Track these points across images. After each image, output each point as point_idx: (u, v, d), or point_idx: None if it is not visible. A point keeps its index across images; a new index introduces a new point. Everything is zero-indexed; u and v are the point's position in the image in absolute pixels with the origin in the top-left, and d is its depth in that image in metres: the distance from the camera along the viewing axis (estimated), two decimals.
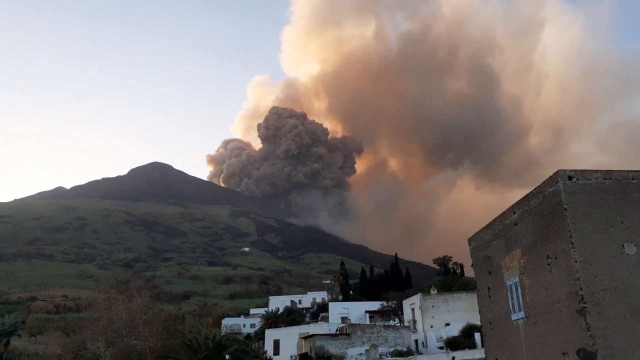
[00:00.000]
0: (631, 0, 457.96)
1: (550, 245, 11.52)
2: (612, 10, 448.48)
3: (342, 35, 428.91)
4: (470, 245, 16.41)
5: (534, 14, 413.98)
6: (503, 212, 13.90)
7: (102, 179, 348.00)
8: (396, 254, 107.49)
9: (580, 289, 10.54)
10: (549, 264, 11.63)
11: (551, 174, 11.56)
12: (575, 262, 10.67)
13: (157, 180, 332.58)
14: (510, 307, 13.71)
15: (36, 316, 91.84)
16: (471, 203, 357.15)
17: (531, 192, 12.34)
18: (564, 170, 11.28)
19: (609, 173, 11.28)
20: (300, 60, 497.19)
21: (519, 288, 13.20)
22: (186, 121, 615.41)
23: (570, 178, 11.19)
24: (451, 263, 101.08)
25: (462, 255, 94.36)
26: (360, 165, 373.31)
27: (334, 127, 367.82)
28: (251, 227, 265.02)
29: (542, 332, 12.12)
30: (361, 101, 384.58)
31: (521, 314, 13.11)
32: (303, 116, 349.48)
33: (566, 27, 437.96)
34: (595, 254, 10.73)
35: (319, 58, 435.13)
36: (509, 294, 13.78)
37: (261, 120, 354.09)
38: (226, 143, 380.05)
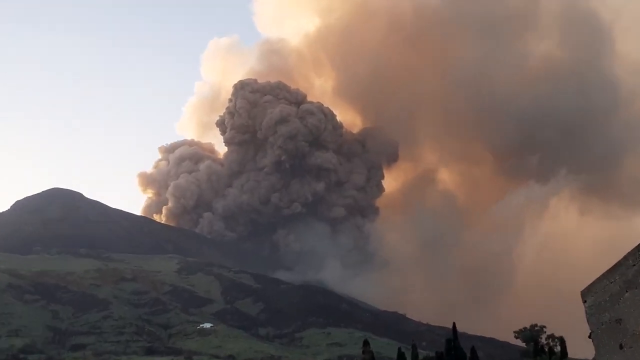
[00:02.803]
0: None
1: None
2: None
3: None
4: (584, 302, 12.52)
5: None
6: (638, 245, 10.11)
7: None
8: (454, 324, 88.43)
9: None
10: None
11: None
12: None
13: (58, 217, 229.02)
14: None
15: None
16: (574, 236, 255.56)
17: None
18: None
19: None
20: (286, 14, 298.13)
21: None
22: (103, 123, 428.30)
23: None
24: (545, 336, 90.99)
25: (563, 324, 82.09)
26: (391, 181, 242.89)
27: (348, 120, 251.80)
28: (214, 289, 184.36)
29: None
30: (389, 78, 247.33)
31: None
32: (298, 100, 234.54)
33: None
34: None
35: (318, 8, 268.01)
36: None
37: (224, 111, 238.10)
38: (169, 150, 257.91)
